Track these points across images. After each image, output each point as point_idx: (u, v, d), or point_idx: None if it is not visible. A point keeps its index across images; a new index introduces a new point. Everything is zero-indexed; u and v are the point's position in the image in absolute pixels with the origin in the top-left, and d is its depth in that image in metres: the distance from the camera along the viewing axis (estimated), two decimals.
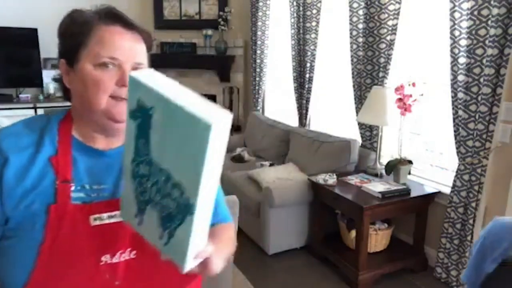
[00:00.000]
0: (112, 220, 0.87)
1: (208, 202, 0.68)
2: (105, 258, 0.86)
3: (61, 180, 0.85)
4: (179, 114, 0.62)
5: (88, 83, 0.84)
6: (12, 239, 0.84)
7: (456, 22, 2.25)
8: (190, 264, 0.71)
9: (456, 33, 2.26)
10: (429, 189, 2.68)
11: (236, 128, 4.81)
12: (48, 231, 0.82)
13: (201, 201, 0.65)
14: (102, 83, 0.84)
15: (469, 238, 2.37)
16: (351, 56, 3.10)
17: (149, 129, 0.68)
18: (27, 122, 0.91)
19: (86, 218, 0.85)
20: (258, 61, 4.36)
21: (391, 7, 2.75)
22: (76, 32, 0.86)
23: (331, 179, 2.72)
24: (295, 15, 3.71)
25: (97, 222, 0.86)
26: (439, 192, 2.64)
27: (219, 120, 0.60)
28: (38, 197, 0.83)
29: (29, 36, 4.35)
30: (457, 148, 2.39)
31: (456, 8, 2.24)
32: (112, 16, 0.87)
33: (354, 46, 3.06)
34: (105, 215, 0.87)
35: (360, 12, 2.98)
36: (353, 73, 3.12)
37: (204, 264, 0.75)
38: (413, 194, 2.57)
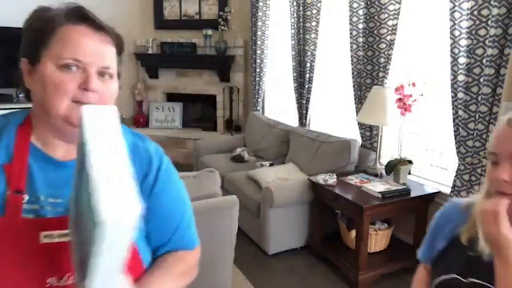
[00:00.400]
0: (63, 239, 0.78)
1: (105, 276, 0.63)
2: (51, 281, 0.79)
3: (13, 190, 0.77)
4: (91, 190, 0.56)
5: (48, 85, 0.77)
6: None
7: (456, 22, 2.25)
8: None
9: (456, 33, 2.26)
10: (429, 189, 2.68)
11: (236, 128, 4.81)
12: None
13: (98, 278, 0.62)
14: (62, 86, 0.77)
15: None
16: (351, 56, 3.10)
17: (83, 171, 0.63)
18: None
19: (36, 235, 0.78)
20: (258, 61, 4.36)
21: (391, 7, 2.75)
22: (39, 30, 0.79)
23: (331, 179, 2.72)
24: (295, 15, 3.71)
25: (47, 240, 0.78)
26: (439, 192, 2.64)
27: (119, 217, 0.54)
28: None
29: None
30: (457, 148, 2.39)
31: (456, 8, 2.24)
32: (80, 15, 0.80)
33: (354, 46, 3.06)
34: (56, 233, 0.79)
35: (360, 12, 2.98)
36: (353, 73, 3.12)
37: None
38: (413, 194, 2.57)
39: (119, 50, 0.86)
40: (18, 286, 0.77)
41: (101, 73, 0.81)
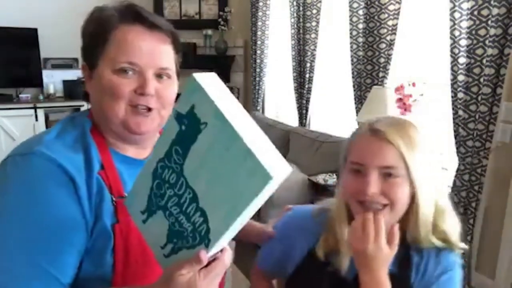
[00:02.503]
0: None
1: (227, 239, 0.62)
2: None
3: (116, 195, 0.76)
4: (238, 150, 0.54)
5: (105, 90, 0.75)
6: (88, 270, 0.76)
7: (456, 22, 2.25)
8: None
9: (456, 33, 2.26)
10: None
11: None
12: (118, 254, 0.74)
13: (221, 241, 0.60)
14: (119, 90, 0.75)
15: (469, 238, 2.37)
16: (351, 56, 3.10)
17: (191, 143, 0.60)
18: (63, 140, 0.77)
19: None
20: (258, 61, 4.36)
21: (391, 7, 2.75)
22: (94, 34, 0.77)
23: (331, 179, 2.72)
24: (295, 15, 3.71)
25: None
26: None
27: (278, 174, 0.53)
28: (105, 219, 0.74)
29: (29, 36, 4.35)
30: (457, 148, 2.39)
31: (456, 8, 2.24)
32: (133, 14, 0.77)
33: (354, 46, 3.06)
34: None
35: (360, 12, 2.97)
36: (353, 73, 3.12)
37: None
38: None
39: (176, 48, 0.82)
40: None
41: (159, 75, 0.78)
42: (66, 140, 0.76)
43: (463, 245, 0.90)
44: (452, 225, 0.90)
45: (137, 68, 0.76)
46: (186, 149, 0.61)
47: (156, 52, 0.77)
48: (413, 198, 0.84)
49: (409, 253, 0.89)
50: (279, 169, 0.54)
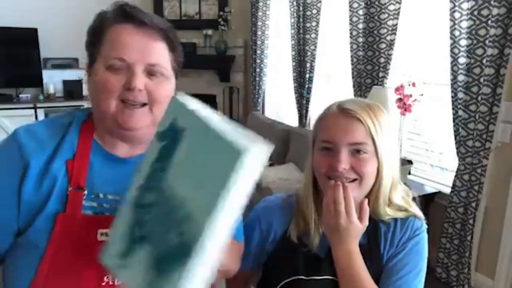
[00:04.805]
0: None
1: (219, 242, 0.60)
2: (108, 279, 0.80)
3: (74, 186, 0.78)
4: (213, 139, 0.58)
5: (97, 85, 0.80)
6: (19, 246, 0.79)
7: (456, 22, 2.25)
8: None
9: (456, 33, 2.26)
10: (429, 189, 2.68)
11: None
12: (52, 241, 0.76)
13: (211, 240, 0.58)
14: (108, 85, 0.78)
15: (469, 238, 2.37)
16: (351, 56, 3.10)
17: (172, 153, 0.64)
18: (50, 123, 0.84)
19: (94, 232, 0.79)
20: (258, 61, 4.36)
21: (391, 7, 2.75)
22: (93, 33, 0.83)
23: None
24: (295, 15, 3.71)
25: (103, 238, 0.79)
26: (439, 192, 2.64)
27: (254, 151, 0.56)
28: (51, 204, 0.77)
29: (29, 36, 4.35)
30: (457, 148, 2.39)
31: (456, 8, 2.24)
32: (124, 14, 0.80)
33: (354, 46, 3.06)
34: None
35: (360, 12, 2.97)
36: (353, 73, 3.12)
37: None
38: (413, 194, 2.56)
39: (172, 46, 0.84)
40: (78, 284, 0.78)
41: (151, 72, 0.81)
42: (52, 125, 0.83)
43: (420, 213, 0.97)
44: (404, 196, 0.97)
45: (127, 64, 0.79)
46: (168, 161, 0.64)
47: (145, 49, 0.80)
48: (377, 174, 0.90)
49: (377, 225, 0.94)
50: (253, 147, 0.56)
